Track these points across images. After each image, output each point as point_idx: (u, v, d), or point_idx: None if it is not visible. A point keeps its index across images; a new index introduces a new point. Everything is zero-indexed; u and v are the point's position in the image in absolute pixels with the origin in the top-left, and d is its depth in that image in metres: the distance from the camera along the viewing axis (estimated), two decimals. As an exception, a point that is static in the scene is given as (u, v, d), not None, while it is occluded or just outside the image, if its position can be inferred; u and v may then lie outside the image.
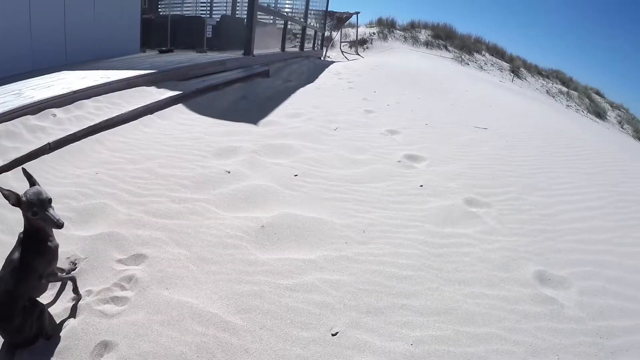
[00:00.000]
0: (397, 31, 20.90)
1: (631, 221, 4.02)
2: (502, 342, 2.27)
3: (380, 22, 21.56)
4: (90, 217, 2.90)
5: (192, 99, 5.92)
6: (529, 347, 2.27)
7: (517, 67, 20.52)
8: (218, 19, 11.81)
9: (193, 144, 4.32)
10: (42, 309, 1.82)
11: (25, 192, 1.69)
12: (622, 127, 19.34)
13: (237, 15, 12.17)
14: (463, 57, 19.77)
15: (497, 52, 22.76)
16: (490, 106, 8.64)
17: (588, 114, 18.17)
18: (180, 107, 5.41)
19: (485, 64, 20.24)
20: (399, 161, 4.47)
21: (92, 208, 2.99)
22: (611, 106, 21.40)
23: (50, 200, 1.73)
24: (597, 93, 22.46)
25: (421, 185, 3.82)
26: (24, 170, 1.82)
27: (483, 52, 21.92)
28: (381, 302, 2.35)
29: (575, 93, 20.24)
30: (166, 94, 5.60)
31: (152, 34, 10.29)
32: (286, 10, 13.43)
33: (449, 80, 10.95)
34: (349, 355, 2.00)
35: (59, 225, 1.70)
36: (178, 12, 12.07)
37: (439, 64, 15.31)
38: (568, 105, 17.96)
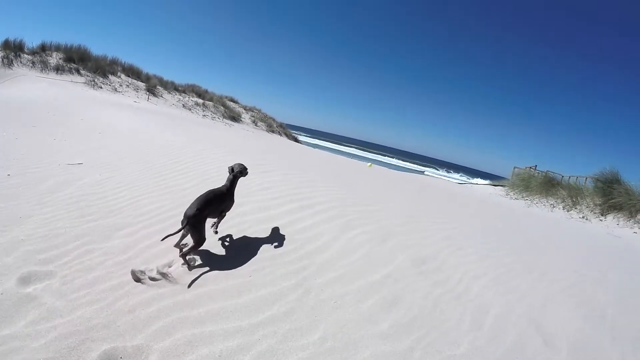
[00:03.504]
0: (26, 55, 17.06)
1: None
2: None
3: (6, 45, 17.02)
4: None
5: None
6: None
7: (153, 85, 20.21)
8: None
9: None
10: None
11: None
12: (256, 125, 22.19)
13: None
14: (96, 80, 18.00)
15: (134, 72, 21.94)
16: (100, 133, 7.54)
17: (224, 119, 19.79)
18: None
19: (121, 85, 19.11)
20: None
21: None
22: (245, 109, 24.31)
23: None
24: (232, 100, 25.11)
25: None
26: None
27: (119, 74, 20.65)
28: None
29: (211, 103, 21.76)
30: None
31: None
32: None
33: (66, 110, 9.31)
34: None
35: None
36: None
37: (65, 92, 13.09)
38: (204, 115, 18.99)
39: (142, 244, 3.32)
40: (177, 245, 3.23)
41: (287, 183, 4.91)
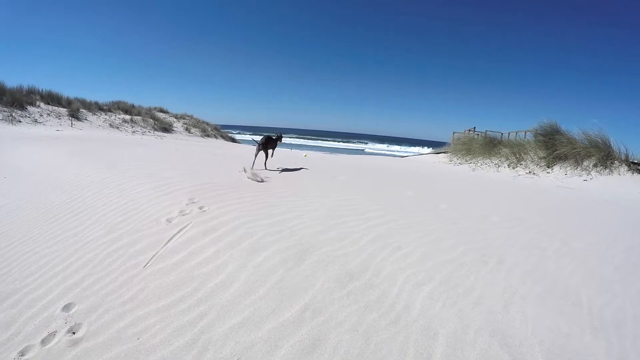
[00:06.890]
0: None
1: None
2: None
3: None
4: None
5: None
6: None
7: (75, 109, 18.72)
8: None
9: None
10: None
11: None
12: (189, 132, 21.16)
13: None
14: (14, 114, 16.63)
15: (53, 99, 20.37)
16: (5, 177, 6.71)
17: (155, 132, 18.64)
18: None
19: (41, 115, 17.74)
20: None
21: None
22: (176, 118, 23.23)
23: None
24: (162, 110, 23.90)
25: None
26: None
27: (38, 103, 19.19)
28: None
29: (140, 117, 20.47)
30: None
31: None
32: None
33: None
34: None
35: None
36: None
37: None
38: (134, 131, 17.75)
39: (25, 315, 2.66)
40: (253, 166, 6.26)
41: (192, 205, 4.08)
